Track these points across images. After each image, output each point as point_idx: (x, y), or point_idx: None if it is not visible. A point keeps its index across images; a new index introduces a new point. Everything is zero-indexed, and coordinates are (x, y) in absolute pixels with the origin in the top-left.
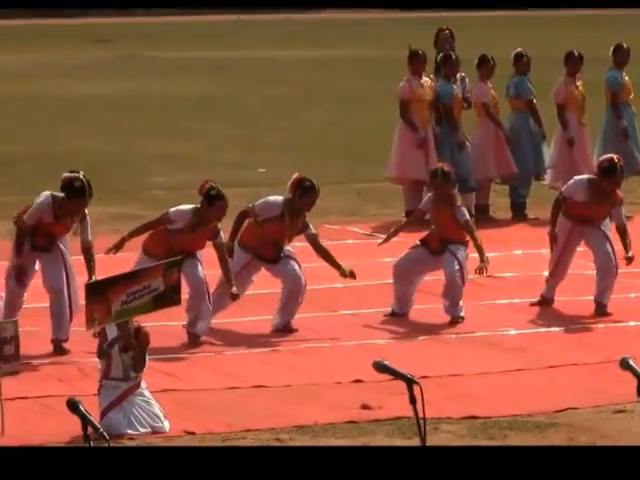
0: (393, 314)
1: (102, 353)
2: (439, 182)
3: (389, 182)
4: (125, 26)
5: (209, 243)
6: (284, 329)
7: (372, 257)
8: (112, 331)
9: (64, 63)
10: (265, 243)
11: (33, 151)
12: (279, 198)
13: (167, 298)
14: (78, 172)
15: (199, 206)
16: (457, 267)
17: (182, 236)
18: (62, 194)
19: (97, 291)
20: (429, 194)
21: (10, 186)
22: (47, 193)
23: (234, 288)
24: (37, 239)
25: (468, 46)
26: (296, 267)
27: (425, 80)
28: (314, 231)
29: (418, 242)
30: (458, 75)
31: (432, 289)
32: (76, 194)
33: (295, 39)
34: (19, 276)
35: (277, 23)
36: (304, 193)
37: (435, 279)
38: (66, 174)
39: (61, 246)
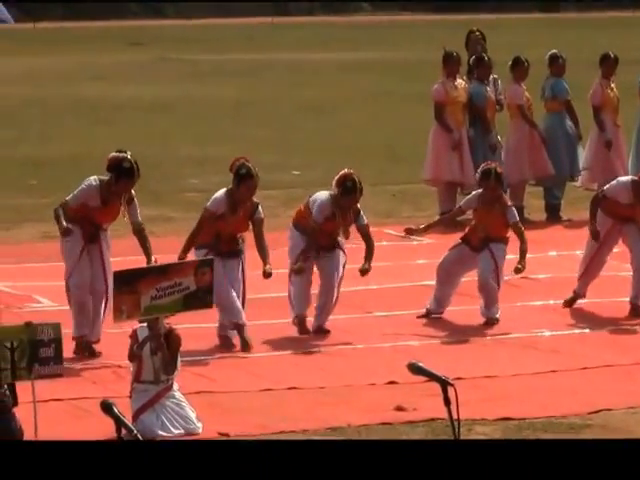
0: (428, 314)
1: (133, 355)
2: (492, 183)
3: (424, 184)
4: (159, 28)
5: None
6: (318, 331)
7: (406, 259)
8: (143, 333)
9: (98, 66)
10: (321, 234)
11: (67, 153)
12: (325, 198)
13: (198, 299)
14: (125, 152)
15: (231, 187)
16: (492, 267)
17: (224, 220)
18: (107, 177)
19: (126, 281)
20: (475, 193)
21: (44, 189)
22: (93, 177)
23: (268, 266)
24: (83, 229)
25: (500, 48)
26: (336, 269)
27: (459, 82)
28: (365, 221)
29: (460, 240)
30: (490, 77)
31: (467, 290)
32: (125, 174)
33: (329, 42)
34: (67, 233)
35: (311, 26)
36: (345, 193)
37: (471, 280)
38: (113, 154)
39: (102, 244)
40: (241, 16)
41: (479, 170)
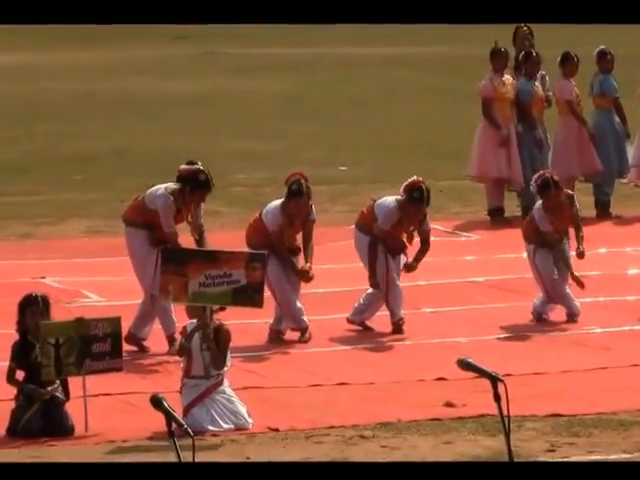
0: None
1: (182, 349)
2: (553, 194)
3: (470, 180)
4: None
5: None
6: (396, 330)
7: (455, 255)
8: (192, 327)
9: (143, 60)
10: (390, 237)
11: (112, 148)
12: (392, 205)
13: (248, 297)
14: (197, 162)
15: (284, 200)
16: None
17: (285, 234)
18: (175, 186)
19: (174, 259)
20: (539, 205)
21: (89, 184)
22: (162, 192)
23: (309, 264)
24: (156, 233)
25: (548, 44)
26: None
27: (507, 78)
28: (429, 226)
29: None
30: (539, 73)
31: (516, 287)
32: (202, 187)
33: (375, 37)
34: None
35: None
36: (412, 202)
37: (519, 277)
38: (185, 166)
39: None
40: None
41: (535, 182)
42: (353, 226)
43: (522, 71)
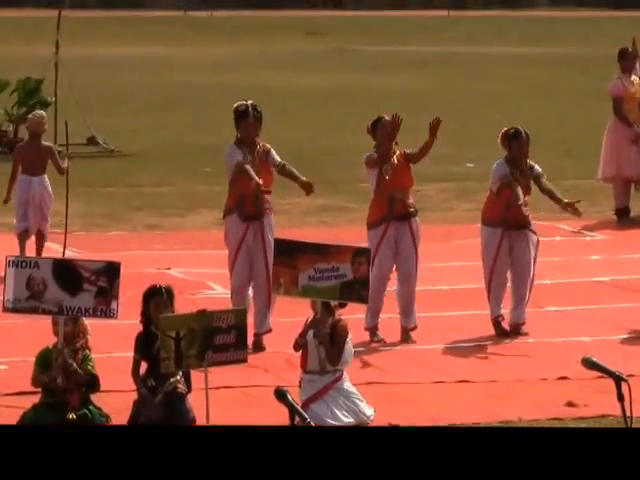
0: None
1: (297, 345)
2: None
3: (602, 182)
4: (336, 19)
5: None
6: (515, 331)
7: (580, 254)
8: (308, 323)
9: (275, 54)
10: (511, 208)
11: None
12: (498, 162)
13: (354, 293)
14: (246, 101)
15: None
16: None
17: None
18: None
19: (285, 252)
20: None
21: (218, 176)
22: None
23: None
24: (245, 206)
25: None
26: (530, 261)
27: (634, 78)
28: (540, 170)
29: None
30: None
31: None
32: (242, 115)
33: (505, 36)
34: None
35: (487, 19)
36: (513, 138)
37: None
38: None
39: (266, 233)
40: (417, 9)
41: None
42: (480, 224)
43: None
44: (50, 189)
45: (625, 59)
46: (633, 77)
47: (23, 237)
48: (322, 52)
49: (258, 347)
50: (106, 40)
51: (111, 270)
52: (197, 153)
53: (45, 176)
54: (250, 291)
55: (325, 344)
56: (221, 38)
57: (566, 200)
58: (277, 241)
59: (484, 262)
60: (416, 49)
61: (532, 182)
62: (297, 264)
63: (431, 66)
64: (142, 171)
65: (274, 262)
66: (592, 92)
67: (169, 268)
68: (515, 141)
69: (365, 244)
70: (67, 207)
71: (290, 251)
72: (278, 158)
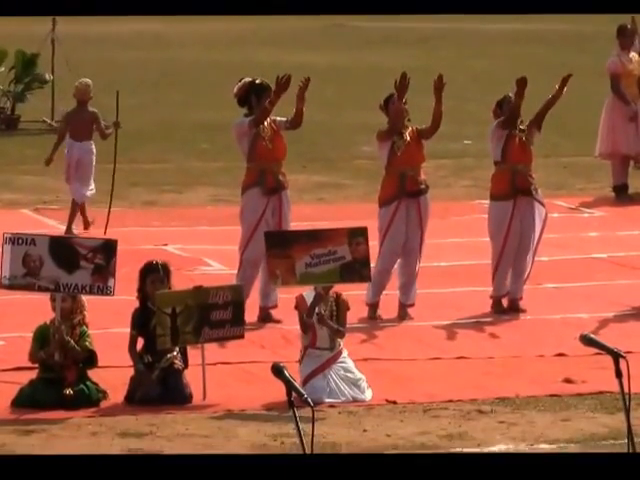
0: None
1: (305, 325)
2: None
3: (600, 158)
4: None
5: None
6: (511, 306)
7: (577, 231)
8: (309, 297)
9: (271, 31)
10: (517, 173)
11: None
12: (492, 127)
13: (355, 273)
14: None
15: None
16: None
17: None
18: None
19: (278, 243)
20: None
21: (215, 153)
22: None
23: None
24: (267, 180)
25: None
26: (534, 229)
27: (633, 55)
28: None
29: None
30: None
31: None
32: (265, 89)
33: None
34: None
35: None
36: (504, 103)
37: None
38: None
39: (284, 208)
40: None
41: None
42: (478, 201)
43: None
44: (93, 156)
45: (624, 36)
46: (632, 54)
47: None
48: (318, 29)
49: (263, 320)
50: (101, 17)
51: (108, 247)
52: (194, 130)
53: (90, 142)
54: None
55: (328, 323)
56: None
57: (556, 87)
58: (268, 233)
59: (494, 240)
60: (413, 25)
61: (532, 135)
62: (291, 253)
63: (428, 42)
64: (139, 148)
65: (267, 255)
66: (589, 69)
67: (166, 244)
68: (505, 103)
69: (363, 221)
70: (114, 173)
71: (283, 242)
72: (283, 118)
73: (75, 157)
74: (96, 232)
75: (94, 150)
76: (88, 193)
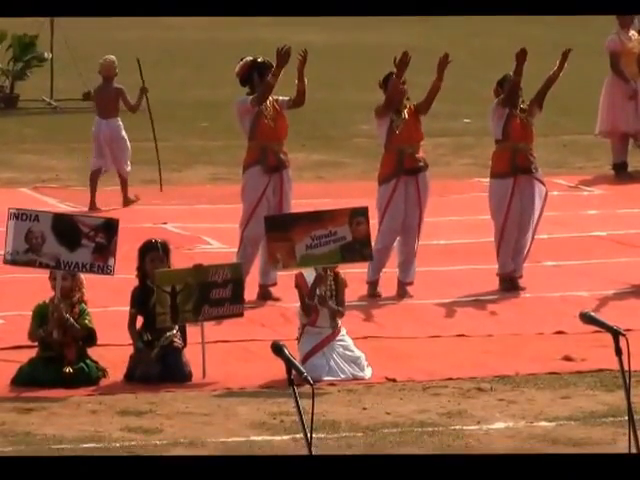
0: None
1: (308, 307)
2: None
3: (599, 137)
4: None
5: None
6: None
7: (577, 209)
8: (310, 277)
9: None
10: (518, 152)
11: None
12: (493, 105)
13: (357, 252)
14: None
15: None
16: None
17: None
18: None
19: (277, 227)
20: None
21: (215, 131)
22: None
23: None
24: (268, 158)
25: None
26: (535, 206)
27: (633, 33)
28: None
29: None
30: None
31: (639, 242)
32: (268, 67)
33: None
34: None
35: None
36: (504, 82)
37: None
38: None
39: (286, 187)
40: None
41: None
42: (477, 179)
43: None
44: (122, 132)
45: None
46: (631, 32)
47: (94, 175)
48: None
49: (262, 298)
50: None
51: (109, 227)
52: (194, 108)
53: (117, 119)
54: None
55: (328, 304)
56: None
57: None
58: (267, 218)
59: (495, 217)
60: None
61: (533, 114)
62: (291, 236)
63: (430, 21)
64: (138, 127)
65: (267, 238)
66: (588, 47)
67: (165, 223)
68: (506, 82)
69: (362, 199)
70: (156, 141)
71: (282, 225)
72: (286, 97)
73: (106, 135)
74: (140, 208)
75: (122, 125)
76: (128, 168)
